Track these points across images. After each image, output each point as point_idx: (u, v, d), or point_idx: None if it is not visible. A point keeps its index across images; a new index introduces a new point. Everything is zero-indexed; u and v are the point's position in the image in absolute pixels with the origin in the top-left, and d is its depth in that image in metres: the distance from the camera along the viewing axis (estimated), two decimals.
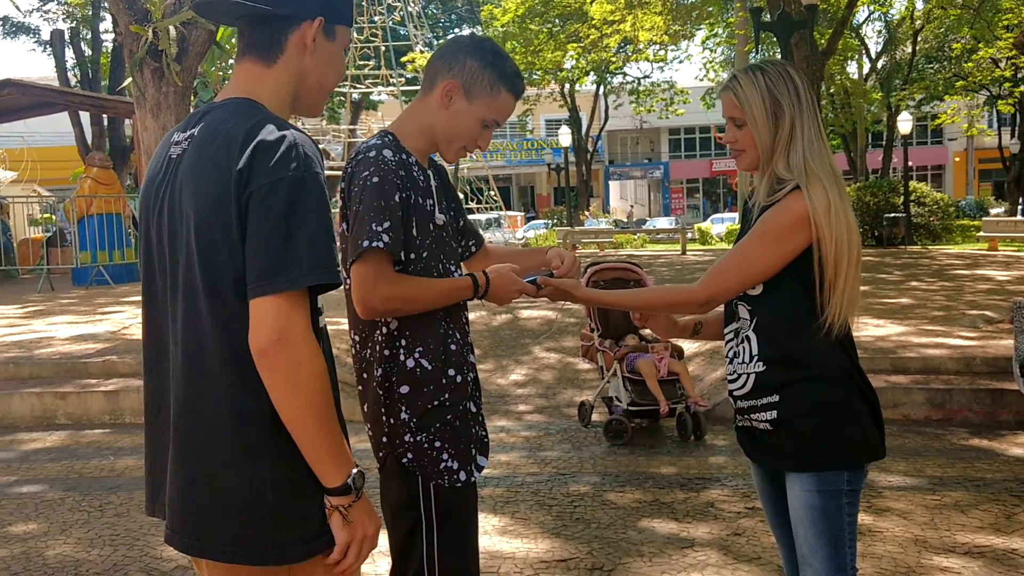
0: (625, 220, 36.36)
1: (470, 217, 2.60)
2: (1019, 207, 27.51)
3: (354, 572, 1.70)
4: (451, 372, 2.22)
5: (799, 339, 2.15)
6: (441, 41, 41.25)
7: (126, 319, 9.81)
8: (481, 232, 2.67)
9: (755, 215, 2.23)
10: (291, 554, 1.60)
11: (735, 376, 2.25)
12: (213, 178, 1.59)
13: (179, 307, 1.65)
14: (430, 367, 2.19)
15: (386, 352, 2.19)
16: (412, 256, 2.18)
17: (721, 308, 2.33)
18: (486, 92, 2.24)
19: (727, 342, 2.31)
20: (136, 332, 8.78)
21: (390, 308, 2.13)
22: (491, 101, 2.25)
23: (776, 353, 2.17)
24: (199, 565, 1.75)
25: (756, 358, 2.19)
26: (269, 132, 1.59)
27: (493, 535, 4.18)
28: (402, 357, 2.18)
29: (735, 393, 2.26)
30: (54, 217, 19.56)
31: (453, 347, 2.23)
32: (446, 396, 2.20)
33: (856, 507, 2.19)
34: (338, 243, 2.02)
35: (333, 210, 1.73)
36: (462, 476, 2.22)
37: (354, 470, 1.62)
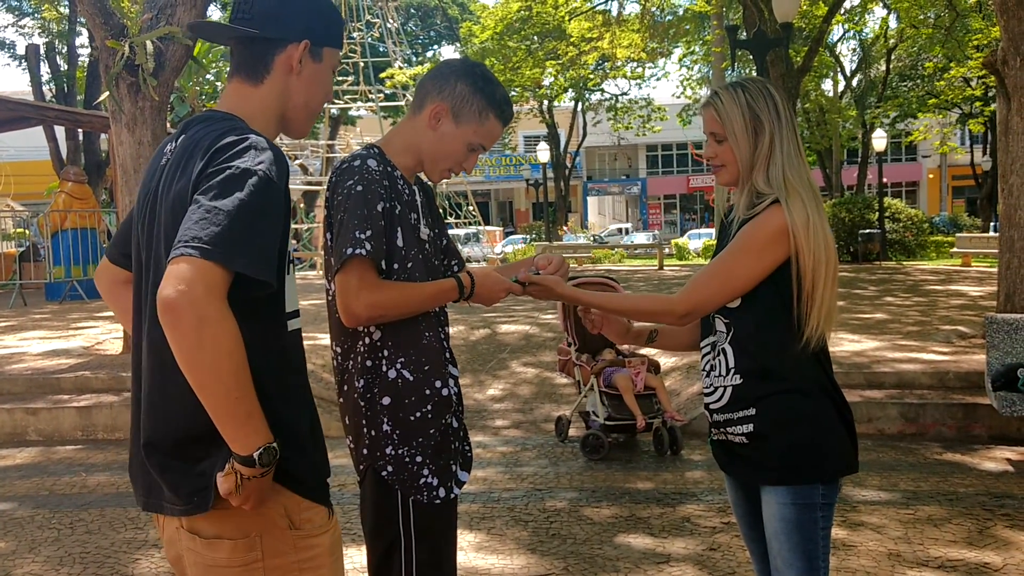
0: (604, 232, 36.49)
1: (449, 232, 2.61)
2: (991, 223, 27.89)
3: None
4: (437, 384, 2.21)
5: (776, 352, 2.16)
6: (420, 58, 41.37)
7: (99, 334, 9.71)
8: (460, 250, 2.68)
9: (734, 229, 2.24)
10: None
11: (711, 389, 2.26)
12: (181, 181, 1.64)
13: (148, 306, 1.68)
14: (412, 378, 2.18)
15: (368, 363, 2.18)
16: (396, 266, 2.18)
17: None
18: (474, 117, 2.25)
19: (703, 355, 2.31)
20: (110, 348, 8.69)
21: (374, 315, 2.12)
22: (478, 126, 2.26)
23: (753, 366, 2.17)
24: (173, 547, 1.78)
25: (733, 371, 2.19)
26: (235, 137, 1.63)
27: (469, 551, 4.16)
28: (384, 368, 2.17)
29: (711, 406, 2.26)
30: (27, 232, 19.35)
31: (436, 358, 2.22)
32: (429, 408, 2.19)
33: (830, 521, 2.20)
34: (323, 254, 2.04)
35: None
36: (441, 493, 2.21)
37: (264, 445, 1.57)
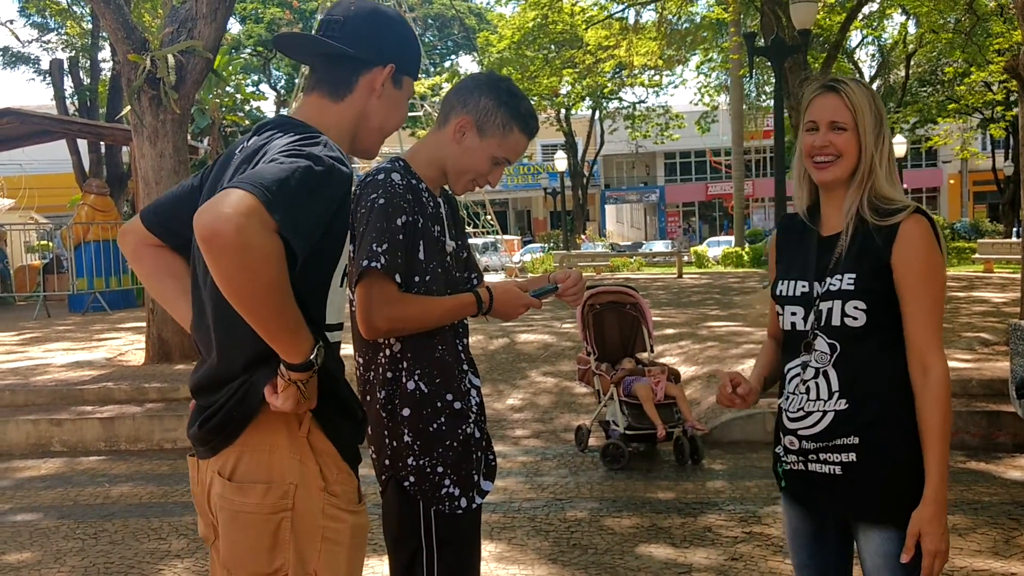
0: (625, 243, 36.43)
1: (468, 242, 2.62)
2: (1014, 229, 27.62)
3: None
4: (448, 397, 2.22)
5: (892, 378, 1.99)
6: (438, 68, 41.52)
7: (122, 345, 9.80)
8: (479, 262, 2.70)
9: (847, 239, 2.04)
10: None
11: (802, 414, 2.06)
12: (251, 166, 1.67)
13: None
14: (427, 390, 2.20)
15: (388, 374, 2.20)
16: (417, 279, 2.19)
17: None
18: (498, 130, 2.26)
19: (791, 377, 2.11)
20: (132, 359, 8.77)
21: (394, 328, 2.14)
22: (502, 140, 2.27)
23: (864, 391, 2.00)
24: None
25: (838, 395, 2.02)
26: (309, 133, 1.66)
27: (490, 561, 4.16)
28: (404, 379, 2.19)
29: (800, 432, 2.06)
30: (51, 244, 19.55)
31: (448, 372, 2.23)
32: (442, 421, 2.20)
33: None
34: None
35: None
36: (463, 503, 2.22)
37: (316, 346, 1.61)
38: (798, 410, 2.07)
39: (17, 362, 8.93)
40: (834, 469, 2.02)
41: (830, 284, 2.03)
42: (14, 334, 11.70)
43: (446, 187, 2.37)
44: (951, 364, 7.49)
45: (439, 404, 2.21)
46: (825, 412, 2.02)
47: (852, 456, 1.99)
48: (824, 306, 2.03)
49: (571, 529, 4.61)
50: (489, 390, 8.12)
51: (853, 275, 2.00)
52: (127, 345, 9.78)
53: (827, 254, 2.07)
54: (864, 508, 2.01)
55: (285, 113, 1.94)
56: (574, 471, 5.77)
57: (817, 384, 2.04)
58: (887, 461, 1.97)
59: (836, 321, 2.02)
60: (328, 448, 1.75)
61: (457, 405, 2.23)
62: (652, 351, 6.44)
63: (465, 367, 2.31)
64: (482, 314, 2.27)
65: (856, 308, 2.00)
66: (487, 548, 4.32)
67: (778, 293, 2.15)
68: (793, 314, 2.10)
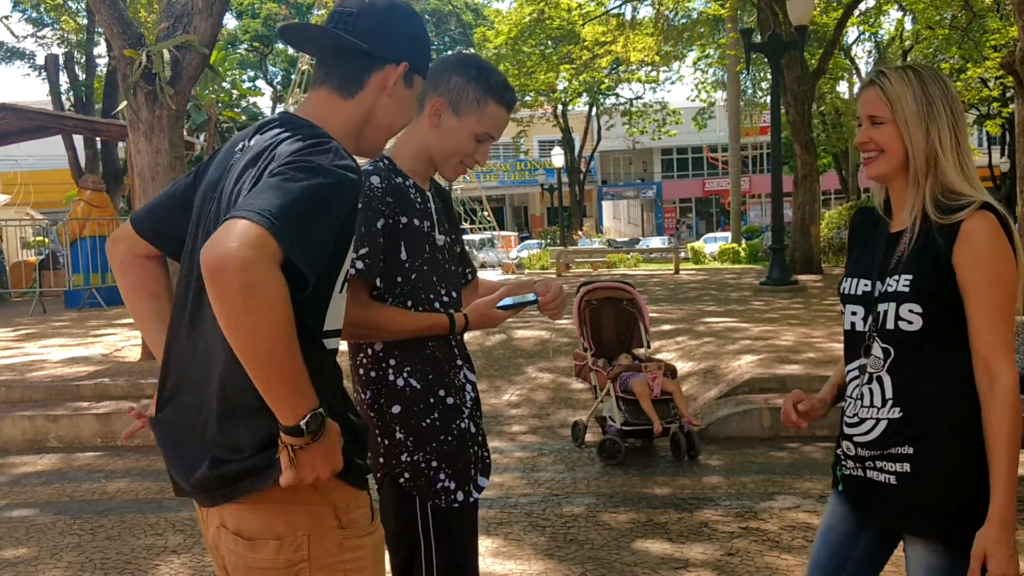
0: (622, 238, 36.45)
1: (464, 237, 2.61)
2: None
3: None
4: (441, 393, 2.22)
5: (951, 388, 1.89)
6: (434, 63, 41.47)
7: (118, 342, 9.79)
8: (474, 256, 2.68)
9: (909, 236, 1.94)
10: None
11: (857, 420, 1.98)
12: (252, 175, 1.61)
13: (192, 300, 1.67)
14: (419, 386, 2.19)
15: (372, 373, 2.20)
16: (400, 279, 2.19)
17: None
18: (473, 106, 2.23)
19: (850, 379, 2.04)
20: (128, 355, 8.76)
21: (355, 333, 2.13)
22: (480, 115, 2.23)
23: (920, 399, 1.90)
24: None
25: (891, 403, 1.93)
26: (317, 139, 1.60)
27: (486, 557, 4.16)
28: (391, 377, 2.19)
29: (856, 438, 1.99)
30: (47, 240, 19.54)
31: (440, 367, 2.23)
32: (436, 416, 2.20)
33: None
34: None
35: None
36: (459, 496, 2.22)
37: (312, 411, 1.50)
38: (854, 415, 2.00)
39: (13, 358, 8.91)
40: (889, 479, 1.94)
41: (888, 285, 1.94)
42: (10, 330, 11.69)
43: (437, 178, 2.35)
44: None
45: (432, 400, 2.20)
46: (879, 420, 1.94)
47: (907, 467, 1.90)
48: (881, 308, 1.94)
49: (568, 524, 4.61)
50: (486, 386, 8.12)
51: (910, 276, 1.91)
52: (123, 341, 9.77)
53: (891, 252, 1.98)
54: (914, 520, 1.93)
55: (282, 109, 1.87)
56: (571, 467, 5.78)
57: (871, 390, 1.96)
58: (942, 474, 1.88)
59: (891, 324, 1.92)
60: (334, 482, 1.64)
61: (450, 400, 2.22)
62: (649, 347, 6.45)
63: (459, 363, 2.30)
64: (453, 335, 2.27)
65: (911, 312, 1.90)
66: (483, 543, 4.33)
67: (842, 291, 2.07)
68: (853, 314, 2.03)
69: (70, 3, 23.50)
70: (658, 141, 36.88)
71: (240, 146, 1.75)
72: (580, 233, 34.42)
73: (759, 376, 6.99)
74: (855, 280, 2.04)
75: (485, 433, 2.38)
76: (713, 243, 30.35)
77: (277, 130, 1.69)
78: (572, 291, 6.18)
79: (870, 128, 1.98)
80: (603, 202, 50.34)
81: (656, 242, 35.48)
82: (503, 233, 37.08)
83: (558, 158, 30.81)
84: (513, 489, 5.28)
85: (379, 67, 1.76)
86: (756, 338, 8.68)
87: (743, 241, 26.91)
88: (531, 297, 2.32)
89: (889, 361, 1.93)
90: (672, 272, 20.28)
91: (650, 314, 6.74)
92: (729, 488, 5.16)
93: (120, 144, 17.90)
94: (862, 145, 2.00)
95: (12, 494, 5.52)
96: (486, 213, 39.14)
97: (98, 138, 18.31)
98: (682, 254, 24.26)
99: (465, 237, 2.45)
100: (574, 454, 6.10)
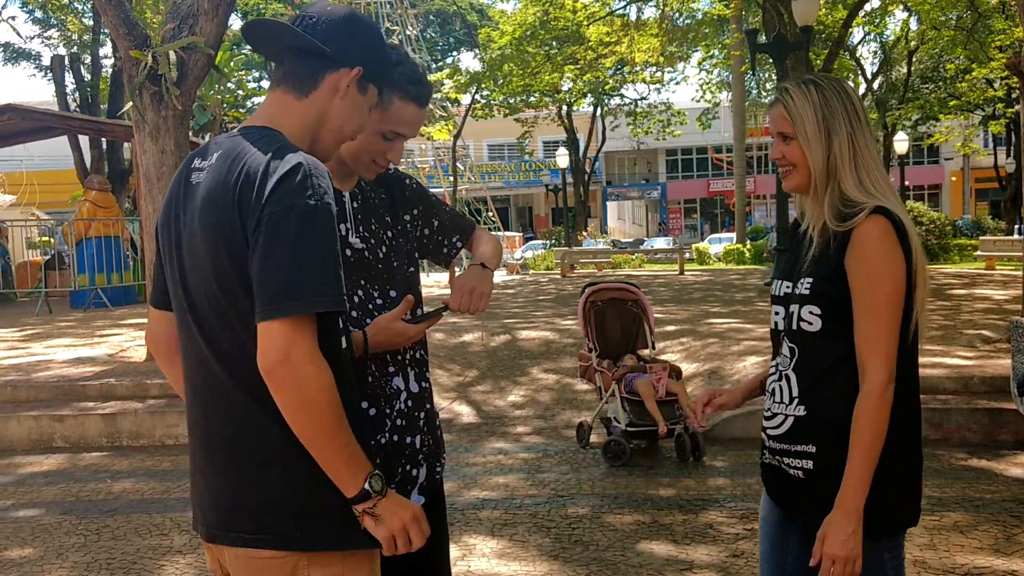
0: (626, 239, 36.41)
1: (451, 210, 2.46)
2: (1016, 226, 27.59)
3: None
4: (363, 404, 2.05)
5: (850, 389, 1.92)
6: (439, 64, 41.47)
7: (124, 342, 9.81)
8: (472, 221, 2.51)
9: (815, 242, 2.02)
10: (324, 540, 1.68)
11: (770, 415, 2.08)
12: (226, 205, 1.64)
13: (191, 326, 1.73)
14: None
15: None
16: None
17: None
18: (378, 105, 2.06)
19: (769, 375, 2.14)
20: (134, 355, 8.77)
21: None
22: (384, 112, 2.08)
23: (823, 398, 1.97)
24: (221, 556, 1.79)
25: (797, 400, 2.00)
26: (286, 162, 1.63)
27: (491, 558, 4.17)
28: None
29: (768, 431, 2.08)
30: (52, 240, 19.58)
31: (361, 374, 2.04)
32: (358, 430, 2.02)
33: (900, 558, 2.04)
34: None
35: None
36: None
37: (370, 475, 1.65)
38: (768, 410, 2.10)
39: (19, 358, 8.94)
40: (798, 473, 2.01)
41: (797, 287, 2.03)
42: (16, 330, 11.71)
43: (361, 176, 2.20)
44: (953, 361, 7.48)
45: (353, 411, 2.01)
46: (787, 416, 2.03)
47: (810, 464, 1.98)
48: (792, 308, 2.03)
49: (572, 526, 4.61)
50: (490, 387, 8.12)
51: (811, 280, 1.99)
52: (129, 341, 9.78)
53: (805, 257, 2.06)
54: (813, 517, 1.96)
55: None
56: (575, 468, 5.77)
57: (781, 387, 2.05)
58: (840, 473, 1.91)
59: (795, 325, 2.02)
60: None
61: (372, 412, 2.07)
62: (654, 348, 6.44)
63: (391, 368, 2.11)
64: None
65: (811, 313, 1.98)
66: (488, 544, 4.33)
67: (772, 292, 2.16)
68: (776, 313, 2.11)
69: (76, 4, 23.56)
70: (662, 142, 36.84)
71: (197, 163, 1.77)
72: (585, 234, 34.39)
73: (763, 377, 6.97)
74: (780, 282, 2.12)
75: (436, 447, 2.23)
76: (718, 244, 30.31)
77: (237, 147, 1.70)
78: (577, 292, 6.16)
79: (781, 144, 2.07)
80: (608, 202, 50.31)
81: (661, 243, 35.48)
82: (508, 234, 37.08)
83: (563, 158, 30.76)
84: (518, 490, 5.28)
85: (333, 69, 1.79)
86: (760, 339, 8.66)
87: (748, 242, 26.88)
88: (439, 308, 2.18)
89: (795, 360, 2.02)
90: (677, 273, 20.28)
91: (655, 315, 6.74)
92: (734, 489, 5.16)
93: (126, 144, 17.91)
94: (777, 161, 2.09)
95: (18, 494, 5.54)
96: (491, 213, 39.15)
97: (103, 139, 18.34)
98: (687, 255, 24.24)
99: (404, 229, 2.36)
100: (579, 455, 6.09)
